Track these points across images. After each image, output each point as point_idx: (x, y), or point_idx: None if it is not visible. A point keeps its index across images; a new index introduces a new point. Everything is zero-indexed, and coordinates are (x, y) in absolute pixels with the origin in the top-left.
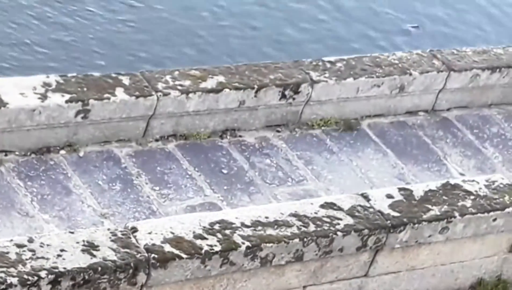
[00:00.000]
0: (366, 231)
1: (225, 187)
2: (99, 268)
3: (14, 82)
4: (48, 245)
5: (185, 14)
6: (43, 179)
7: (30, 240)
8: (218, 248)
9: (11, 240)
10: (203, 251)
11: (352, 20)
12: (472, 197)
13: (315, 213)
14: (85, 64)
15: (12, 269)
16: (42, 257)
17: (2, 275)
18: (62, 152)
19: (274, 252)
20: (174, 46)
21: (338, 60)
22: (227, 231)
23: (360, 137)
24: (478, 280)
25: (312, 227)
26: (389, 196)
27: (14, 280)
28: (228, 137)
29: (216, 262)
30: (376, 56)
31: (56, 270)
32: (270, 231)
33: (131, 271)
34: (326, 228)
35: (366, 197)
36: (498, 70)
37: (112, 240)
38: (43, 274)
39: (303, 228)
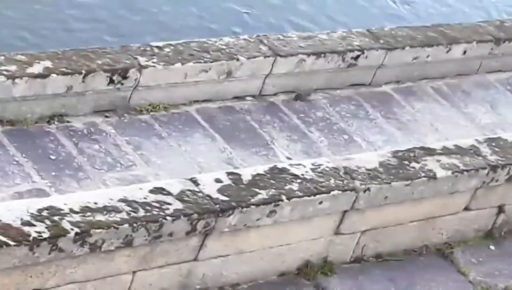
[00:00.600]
0: (195, 216)
1: (53, 173)
2: None
3: None
4: None
5: None
6: None
7: None
8: (46, 235)
9: None
10: (31, 238)
11: (184, 4)
12: (299, 180)
13: (145, 198)
14: None
15: None
16: None
17: None
18: None
19: (104, 238)
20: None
21: (166, 45)
22: (56, 218)
23: (189, 122)
24: (305, 262)
25: (141, 213)
26: (218, 181)
27: None
28: (56, 123)
29: (45, 249)
30: (204, 41)
31: None
32: (99, 217)
33: None
34: (155, 213)
35: (195, 181)
36: (323, 55)
37: None
38: None
39: (133, 214)
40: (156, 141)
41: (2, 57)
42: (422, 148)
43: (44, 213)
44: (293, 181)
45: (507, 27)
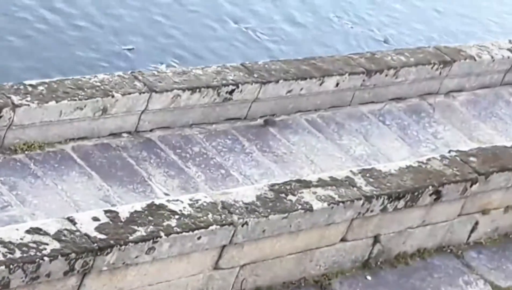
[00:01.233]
0: (73, 255)
1: None
2: None
3: None
4: None
5: None
6: None
7: None
8: None
9: None
10: None
11: (68, 43)
12: (177, 216)
13: (21, 239)
14: None
15: None
16: None
17: None
18: None
19: None
20: None
21: (39, 84)
22: None
23: (65, 160)
24: None
25: (18, 254)
26: (95, 219)
27: None
28: None
29: None
30: (78, 78)
31: None
32: None
33: None
34: (32, 254)
35: (72, 220)
36: (198, 90)
37: None
38: None
39: (9, 255)
40: (32, 181)
41: None
42: (298, 180)
43: None
44: (171, 217)
45: (378, 58)
